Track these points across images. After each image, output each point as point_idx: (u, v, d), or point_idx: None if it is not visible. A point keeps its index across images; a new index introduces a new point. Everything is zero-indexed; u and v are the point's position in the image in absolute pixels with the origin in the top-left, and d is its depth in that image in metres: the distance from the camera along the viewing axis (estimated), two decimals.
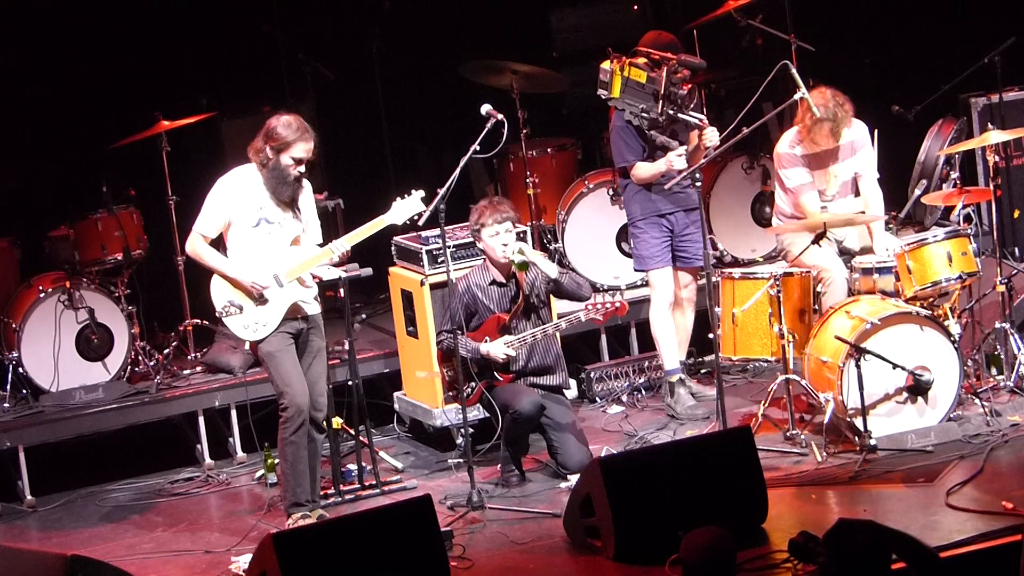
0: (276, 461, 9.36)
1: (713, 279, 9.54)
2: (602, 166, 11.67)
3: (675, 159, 9.67)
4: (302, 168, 8.81)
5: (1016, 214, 11.45)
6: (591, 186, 11.29)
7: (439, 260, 9.85)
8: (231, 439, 10.44)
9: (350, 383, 9.53)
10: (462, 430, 9.28)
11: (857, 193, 9.93)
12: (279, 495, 9.17)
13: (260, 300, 8.81)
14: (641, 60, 9.70)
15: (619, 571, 7.90)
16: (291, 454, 8.83)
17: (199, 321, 10.80)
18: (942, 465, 8.72)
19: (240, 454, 10.39)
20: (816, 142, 9.72)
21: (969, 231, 9.53)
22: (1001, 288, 9.55)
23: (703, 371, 10.65)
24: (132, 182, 11.17)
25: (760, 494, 8.17)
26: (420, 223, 9.13)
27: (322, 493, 9.18)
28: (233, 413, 10.41)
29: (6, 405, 10.38)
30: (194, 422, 10.37)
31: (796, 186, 9.79)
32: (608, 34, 11.90)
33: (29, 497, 10.05)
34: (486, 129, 9.13)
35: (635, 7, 12.83)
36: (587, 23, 12.73)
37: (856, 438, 9.01)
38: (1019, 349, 9.47)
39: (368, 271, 9.52)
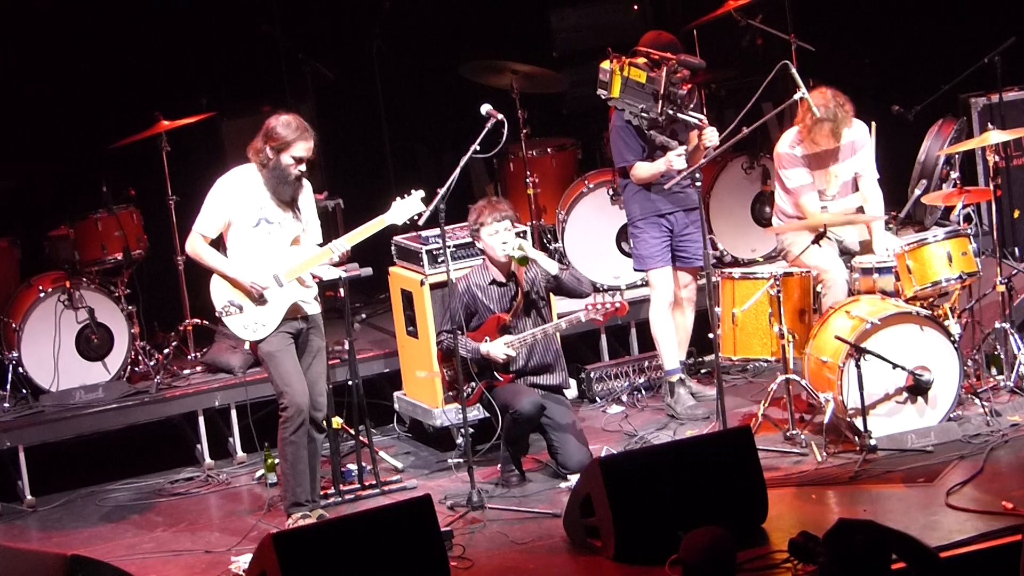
0: (276, 461, 9.35)
1: (713, 279, 9.54)
2: (602, 166, 11.67)
3: (674, 159, 9.67)
4: (303, 167, 8.81)
5: (1016, 214, 11.45)
6: (591, 186, 11.29)
7: (439, 260, 9.85)
8: (231, 439, 10.44)
9: (350, 383, 9.53)
10: (462, 430, 9.28)
11: (856, 190, 9.93)
12: (279, 495, 9.17)
13: (260, 300, 8.81)
14: (641, 60, 9.70)
15: (619, 571, 7.90)
16: (291, 454, 8.83)
17: (199, 321, 10.80)
18: (942, 465, 8.72)
19: (240, 454, 10.39)
20: (816, 142, 9.72)
21: (969, 231, 9.53)
22: (1001, 288, 9.55)
23: (703, 371, 10.65)
24: (132, 182, 11.17)
25: (760, 494, 8.17)
26: (420, 223, 9.13)
27: (322, 493, 9.18)
28: (233, 413, 10.41)
29: (6, 405, 10.38)
30: (194, 422, 10.37)
31: (796, 187, 9.79)
32: (608, 34, 11.89)
33: (29, 497, 10.05)
34: (486, 129, 9.13)
35: (635, 7, 12.83)
36: (587, 23, 12.73)
37: (856, 438, 9.01)
38: (1019, 349, 9.47)
39: (368, 271, 9.52)
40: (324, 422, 9.05)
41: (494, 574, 8.17)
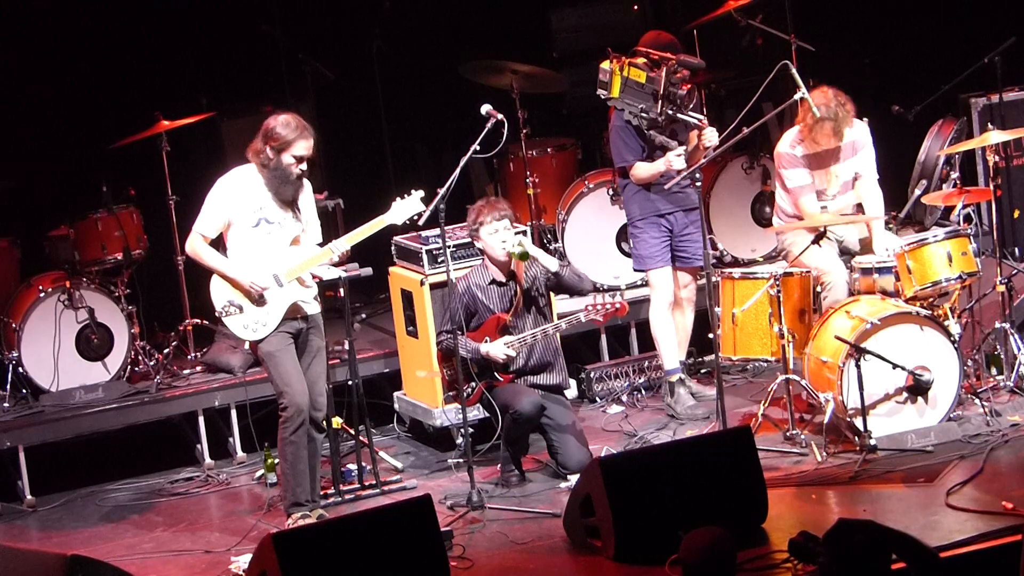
0: (276, 461, 9.35)
1: (713, 279, 9.54)
2: (602, 166, 11.67)
3: (674, 159, 9.66)
4: (304, 166, 8.81)
5: (1016, 214, 11.45)
6: (591, 186, 11.29)
7: (439, 260, 9.85)
8: (231, 439, 10.44)
9: (350, 383, 9.53)
10: (462, 430, 9.28)
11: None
12: (279, 495, 9.17)
13: (260, 300, 8.81)
14: (640, 60, 9.70)
15: (619, 571, 7.90)
16: (291, 454, 8.83)
17: (199, 321, 10.81)
18: (942, 465, 8.72)
19: (240, 454, 10.39)
20: (817, 142, 9.71)
21: (969, 231, 9.53)
22: (1001, 288, 9.55)
23: (703, 371, 10.65)
24: (132, 182, 11.17)
25: (760, 494, 8.17)
26: (420, 223, 9.13)
27: (322, 493, 9.18)
28: (233, 413, 10.41)
29: (6, 405, 10.38)
30: (194, 422, 10.37)
31: (795, 187, 9.78)
32: (608, 34, 11.89)
33: (29, 497, 10.05)
34: (486, 129, 9.13)
35: (635, 7, 12.84)
36: (587, 23, 12.73)
37: (856, 438, 9.01)
38: (1019, 349, 9.47)
39: (368, 271, 9.52)
40: (324, 422, 9.05)
41: (494, 574, 8.17)
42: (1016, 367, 9.47)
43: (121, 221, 10.84)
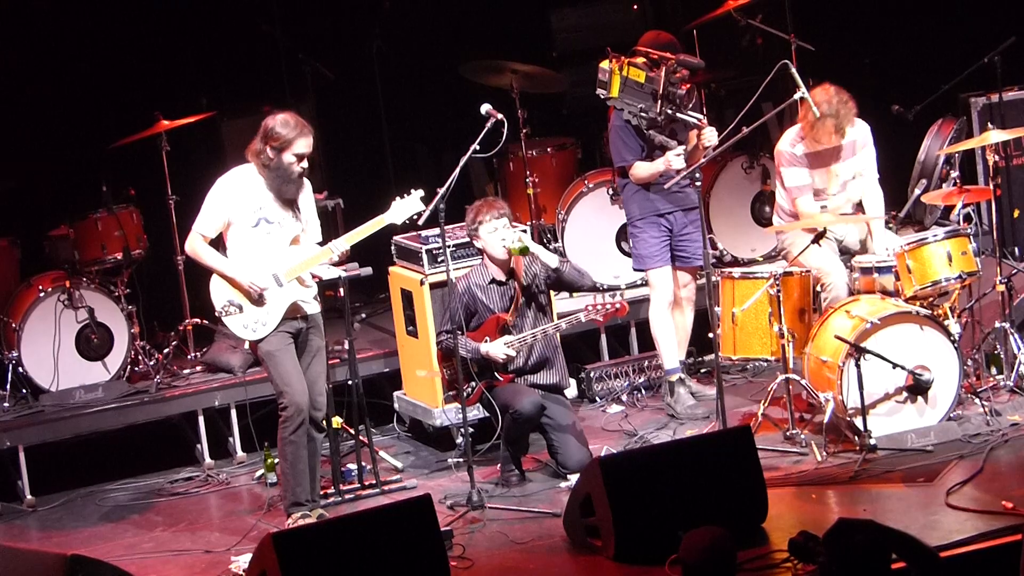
0: (276, 461, 9.35)
1: (713, 279, 9.54)
2: (602, 166, 11.67)
3: (673, 159, 9.67)
4: (305, 164, 8.81)
5: (1016, 214, 11.45)
6: (591, 186, 11.29)
7: (439, 260, 9.85)
8: (231, 439, 10.44)
9: (350, 383, 9.53)
10: (462, 430, 9.28)
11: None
12: (279, 495, 9.17)
13: (259, 300, 8.80)
14: (640, 60, 9.70)
15: (619, 571, 7.90)
16: (291, 453, 8.83)
17: (199, 321, 10.81)
18: (942, 465, 8.72)
19: (240, 454, 10.39)
20: (819, 139, 9.70)
21: (969, 231, 9.52)
22: (1001, 288, 9.55)
23: (703, 371, 10.65)
24: (132, 182, 11.17)
25: (760, 494, 8.17)
26: (420, 223, 9.13)
27: (322, 493, 9.18)
28: (233, 413, 10.41)
29: (6, 405, 10.38)
30: (194, 422, 10.37)
31: (793, 186, 9.78)
32: (608, 34, 11.90)
33: (29, 497, 10.05)
34: (486, 129, 9.13)
35: (635, 7, 12.84)
36: (587, 23, 12.73)
37: (856, 438, 9.01)
38: (1019, 349, 9.47)
39: (368, 271, 9.52)
40: (324, 422, 9.05)
41: (494, 574, 8.17)
42: (1016, 367, 9.47)
43: (121, 221, 10.84)
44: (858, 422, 8.96)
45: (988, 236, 10.65)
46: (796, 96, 9.48)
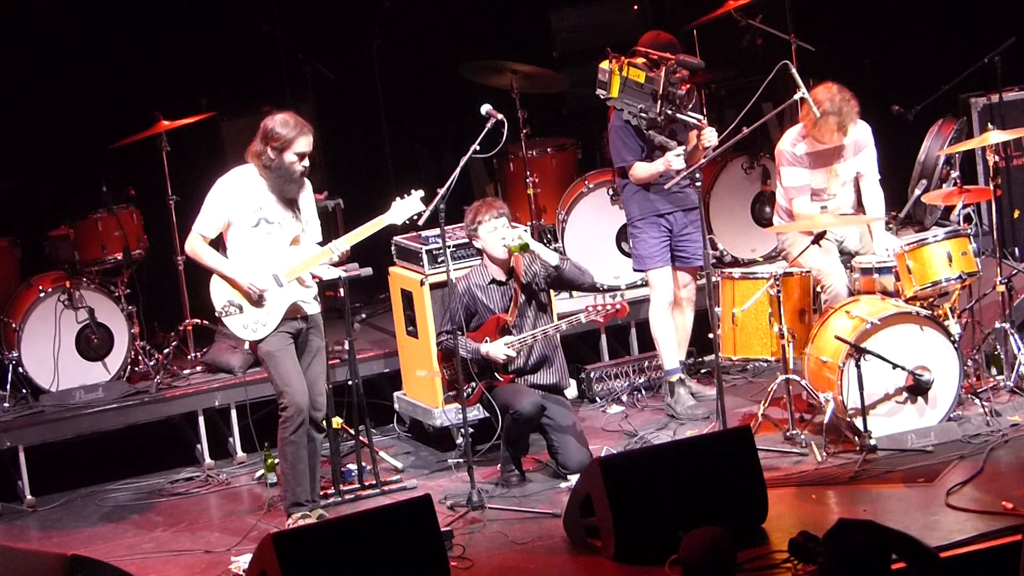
0: (276, 461, 9.35)
1: (713, 279, 9.54)
2: (602, 166, 11.67)
3: (673, 159, 9.66)
4: (306, 162, 8.81)
5: (1016, 214, 11.45)
6: (591, 186, 11.29)
7: (439, 260, 9.85)
8: (231, 439, 10.44)
9: (350, 383, 9.53)
10: (462, 430, 9.28)
11: (858, 192, 9.92)
12: (279, 495, 9.17)
13: (259, 300, 8.80)
14: (640, 60, 9.70)
15: (619, 571, 7.90)
16: (291, 454, 8.83)
17: (199, 321, 10.81)
18: (942, 465, 8.72)
19: (240, 454, 10.39)
20: (821, 138, 9.69)
21: (969, 231, 9.53)
22: (1001, 288, 9.55)
23: (703, 371, 10.65)
24: (132, 182, 11.17)
25: (760, 494, 8.17)
26: (420, 223, 9.14)
27: (322, 493, 9.18)
28: (233, 413, 10.41)
29: (6, 405, 10.38)
30: (194, 422, 10.37)
31: (790, 186, 9.78)
32: (608, 34, 11.90)
33: (29, 497, 10.05)
34: (486, 129, 9.13)
35: (635, 7, 12.84)
36: (587, 23, 12.73)
37: (856, 438, 9.01)
38: (1019, 349, 9.47)
39: (368, 271, 9.52)
40: (324, 422, 9.05)
41: (494, 574, 8.17)
42: (1016, 367, 9.47)
43: (121, 221, 10.84)
44: (858, 422, 8.96)
45: (988, 236, 10.65)
46: (796, 96, 9.47)
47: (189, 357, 10.85)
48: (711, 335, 9.38)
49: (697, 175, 9.34)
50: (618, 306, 9.18)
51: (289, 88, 12.17)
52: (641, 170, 9.85)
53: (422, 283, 9.96)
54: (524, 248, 9.21)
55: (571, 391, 10.14)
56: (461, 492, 9.08)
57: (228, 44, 12.17)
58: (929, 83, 11.53)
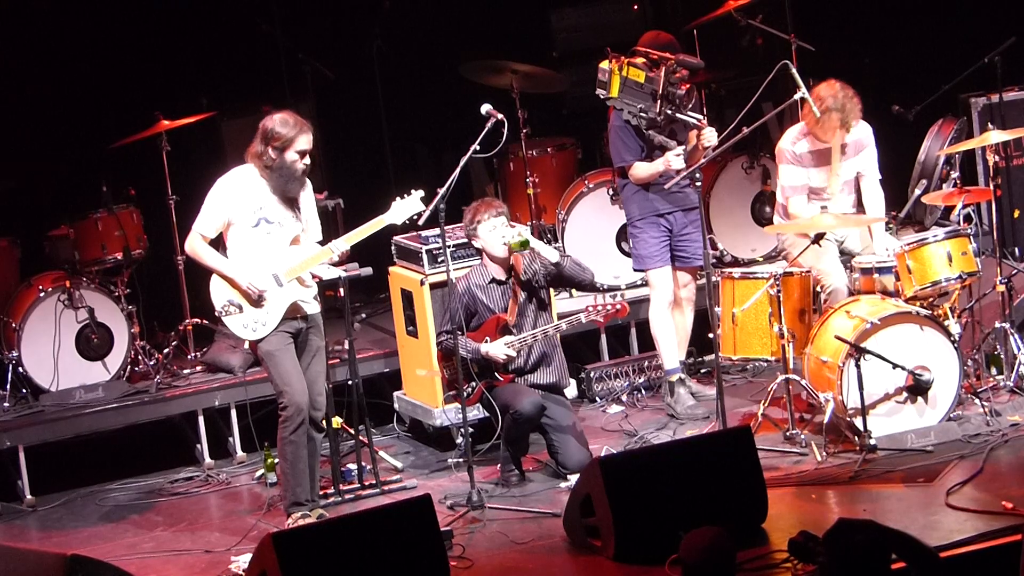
0: (276, 460, 9.35)
1: (713, 279, 9.54)
2: (602, 166, 11.67)
3: (673, 159, 9.67)
4: (307, 160, 8.81)
5: (1016, 214, 11.45)
6: (591, 186, 11.29)
7: (439, 260, 9.85)
8: (231, 439, 10.44)
9: (350, 383, 9.53)
10: (462, 430, 9.28)
11: (858, 192, 9.92)
12: (279, 495, 9.17)
13: (259, 300, 8.80)
14: (639, 60, 9.70)
15: (619, 571, 7.90)
16: (291, 453, 8.84)
17: (199, 320, 10.81)
18: (942, 465, 8.72)
19: (240, 454, 10.39)
20: (823, 136, 9.68)
21: (969, 231, 9.53)
22: (1001, 288, 9.55)
23: (703, 371, 10.65)
24: (132, 182, 11.17)
25: (760, 494, 8.17)
26: (420, 223, 9.14)
27: (322, 493, 9.18)
28: (233, 413, 10.41)
29: (6, 405, 10.38)
30: (194, 422, 10.37)
31: (786, 185, 9.78)
32: (608, 34, 11.90)
33: (29, 497, 10.05)
34: (486, 129, 9.13)
35: (635, 7, 12.84)
36: (587, 23, 12.73)
37: (856, 438, 9.01)
38: (1019, 349, 9.47)
39: (368, 271, 9.52)
40: (323, 421, 9.05)
41: (494, 574, 8.17)
42: (1016, 367, 9.47)
43: (121, 221, 10.84)
44: (858, 422, 8.96)
45: (988, 236, 10.66)
46: (796, 96, 9.47)
47: (189, 357, 10.85)
48: (711, 335, 9.38)
49: (697, 175, 9.34)
50: (618, 306, 9.18)
51: (289, 88, 12.16)
52: (641, 170, 9.85)
53: (422, 283, 9.96)
54: (524, 245, 9.21)
55: (571, 391, 10.14)
56: (461, 492, 9.08)
57: (228, 44, 12.17)
58: (929, 83, 11.53)
